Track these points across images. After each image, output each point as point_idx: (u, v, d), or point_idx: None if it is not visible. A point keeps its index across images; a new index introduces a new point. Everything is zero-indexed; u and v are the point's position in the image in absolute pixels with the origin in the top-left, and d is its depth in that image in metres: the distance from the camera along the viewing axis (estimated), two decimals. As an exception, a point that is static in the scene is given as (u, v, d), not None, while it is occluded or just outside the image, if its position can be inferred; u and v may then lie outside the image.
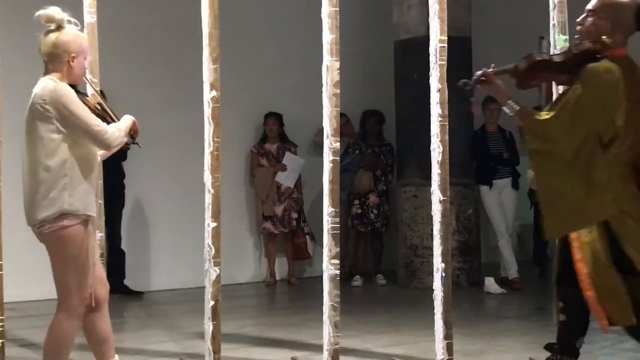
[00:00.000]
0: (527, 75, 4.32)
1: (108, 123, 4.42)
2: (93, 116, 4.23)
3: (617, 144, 4.14)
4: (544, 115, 4.25)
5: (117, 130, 4.31)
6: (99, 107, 4.43)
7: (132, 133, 4.47)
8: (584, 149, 4.14)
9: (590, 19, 4.27)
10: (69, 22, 4.32)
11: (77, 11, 5.01)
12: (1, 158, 4.40)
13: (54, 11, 4.27)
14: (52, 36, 4.26)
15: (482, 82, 4.40)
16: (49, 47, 4.26)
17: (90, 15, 5.05)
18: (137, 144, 4.50)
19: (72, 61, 4.27)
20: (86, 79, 4.60)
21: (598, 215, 4.19)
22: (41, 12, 4.26)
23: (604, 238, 4.22)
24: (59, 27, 4.27)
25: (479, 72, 4.44)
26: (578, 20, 4.34)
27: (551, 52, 4.84)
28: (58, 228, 4.15)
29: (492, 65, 4.49)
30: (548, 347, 4.60)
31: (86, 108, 4.23)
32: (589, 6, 4.30)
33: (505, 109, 4.36)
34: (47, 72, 4.29)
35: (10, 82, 4.61)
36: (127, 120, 4.43)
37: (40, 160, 4.16)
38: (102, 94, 4.58)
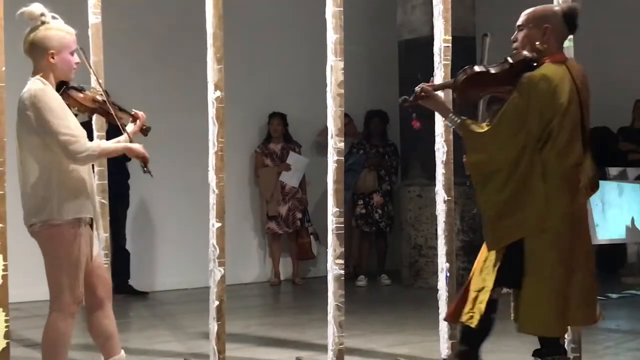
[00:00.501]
0: (467, 88, 4.29)
1: (109, 117, 4.38)
2: (65, 124, 4.03)
3: (550, 144, 4.11)
4: (484, 127, 4.25)
5: (94, 144, 4.15)
6: (98, 101, 4.33)
7: (142, 159, 4.31)
8: (522, 160, 4.12)
9: (521, 33, 4.28)
10: (53, 17, 4.16)
11: (81, 11, 5.04)
12: (6, 158, 4.39)
13: (34, 7, 4.12)
14: (32, 34, 4.12)
15: (422, 98, 4.37)
16: (28, 45, 4.13)
17: (94, 15, 5.05)
18: (148, 172, 4.35)
19: (53, 57, 4.10)
20: (93, 73, 4.58)
21: (520, 231, 4.17)
22: (23, 9, 4.12)
23: (505, 249, 4.23)
24: (42, 24, 4.12)
25: (418, 88, 4.41)
26: (512, 37, 4.34)
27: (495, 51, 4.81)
28: (48, 227, 4.10)
29: (431, 79, 4.50)
30: (536, 353, 4.58)
31: (64, 115, 4.07)
32: (518, 22, 4.31)
33: (446, 122, 4.37)
34: (33, 72, 4.17)
35: (13, 82, 4.59)
36: (118, 145, 4.30)
37: (30, 165, 4.10)
38: (106, 93, 4.56)
